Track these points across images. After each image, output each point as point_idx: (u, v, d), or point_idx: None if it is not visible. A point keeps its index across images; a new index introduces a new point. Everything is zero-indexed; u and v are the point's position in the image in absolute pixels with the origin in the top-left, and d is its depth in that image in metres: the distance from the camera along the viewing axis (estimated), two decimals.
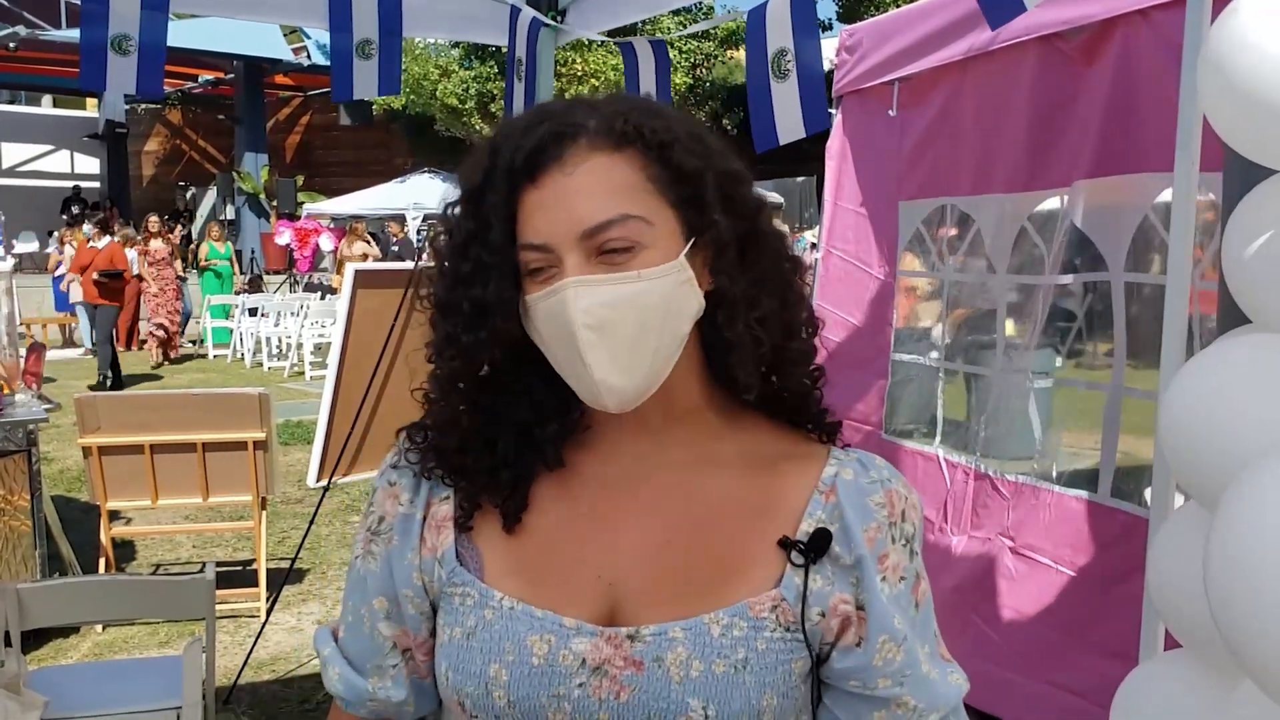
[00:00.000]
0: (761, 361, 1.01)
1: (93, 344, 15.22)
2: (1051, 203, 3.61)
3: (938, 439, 4.18)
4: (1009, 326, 3.87)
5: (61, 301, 16.14)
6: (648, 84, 3.29)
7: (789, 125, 2.83)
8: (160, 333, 14.21)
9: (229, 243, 17.31)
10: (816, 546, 0.97)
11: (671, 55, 3.51)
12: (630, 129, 0.96)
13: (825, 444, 1.06)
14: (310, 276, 18.41)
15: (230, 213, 23.17)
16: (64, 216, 21.46)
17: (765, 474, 1.02)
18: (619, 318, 0.92)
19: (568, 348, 0.94)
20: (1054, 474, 3.60)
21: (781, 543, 0.98)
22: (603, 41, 3.90)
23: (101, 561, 4.79)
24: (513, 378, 1.00)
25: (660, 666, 0.95)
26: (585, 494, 1.02)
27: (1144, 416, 3.29)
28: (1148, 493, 3.19)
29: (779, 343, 1.01)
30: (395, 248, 17.13)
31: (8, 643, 2.73)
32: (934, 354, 4.27)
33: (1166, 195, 3.14)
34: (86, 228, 14.96)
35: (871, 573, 0.97)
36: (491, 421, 1.02)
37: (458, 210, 0.98)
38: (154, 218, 15.01)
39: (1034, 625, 3.52)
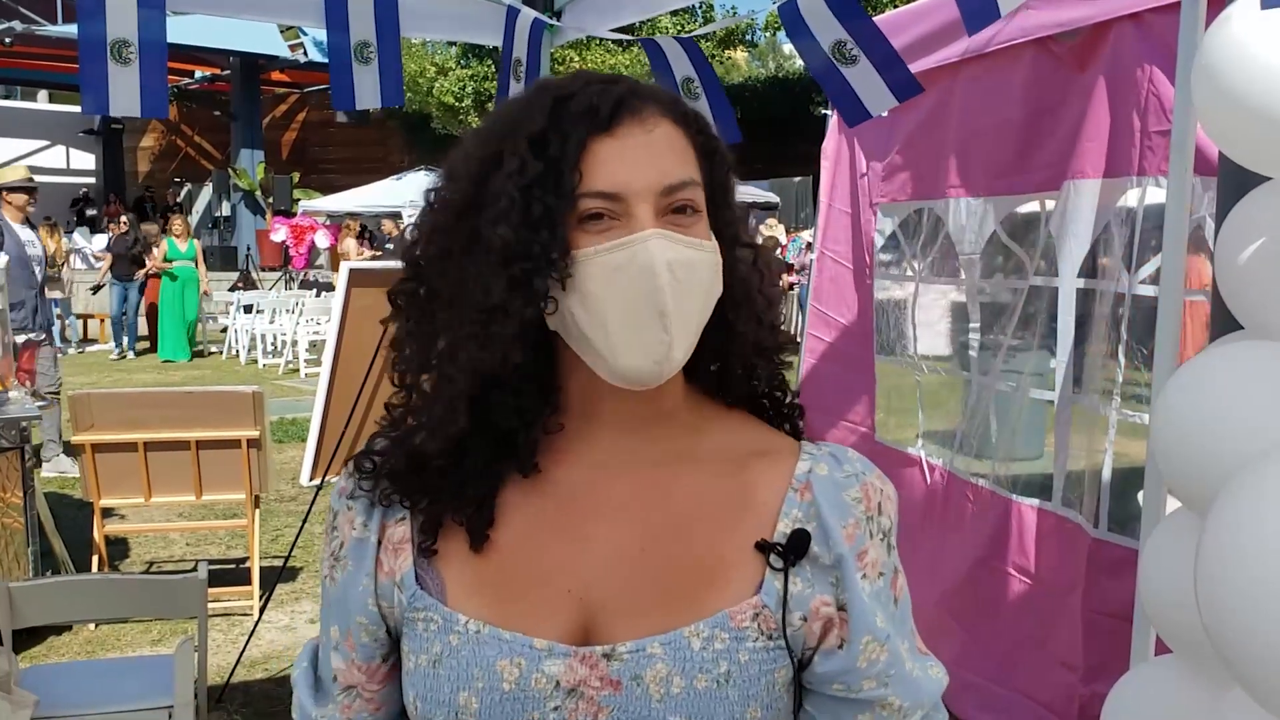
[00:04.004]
0: (753, 357, 1.02)
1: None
2: (1033, 205, 3.62)
3: (919, 442, 4.19)
4: (988, 329, 3.88)
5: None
6: (690, 90, 3.25)
7: (876, 99, 2.83)
8: None
9: (195, 240, 14.97)
10: (795, 548, 0.94)
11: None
12: (689, 113, 0.98)
13: (795, 439, 1.04)
14: (306, 273, 18.38)
15: (226, 209, 23.13)
16: (76, 219, 21.44)
17: (739, 472, 0.99)
18: (691, 280, 0.91)
19: (638, 302, 0.89)
20: (1020, 480, 3.60)
21: (759, 546, 0.95)
22: (616, 40, 3.89)
23: (94, 559, 4.78)
24: (508, 371, 0.94)
25: (639, 685, 0.91)
26: (553, 500, 0.98)
27: (1090, 423, 3.28)
28: (1088, 501, 3.20)
29: (769, 339, 1.03)
30: (390, 245, 17.11)
31: None
32: (916, 357, 4.28)
33: (1126, 199, 3.14)
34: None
35: (852, 571, 0.95)
36: (478, 423, 0.96)
37: (518, 150, 0.92)
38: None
39: (1007, 634, 3.53)
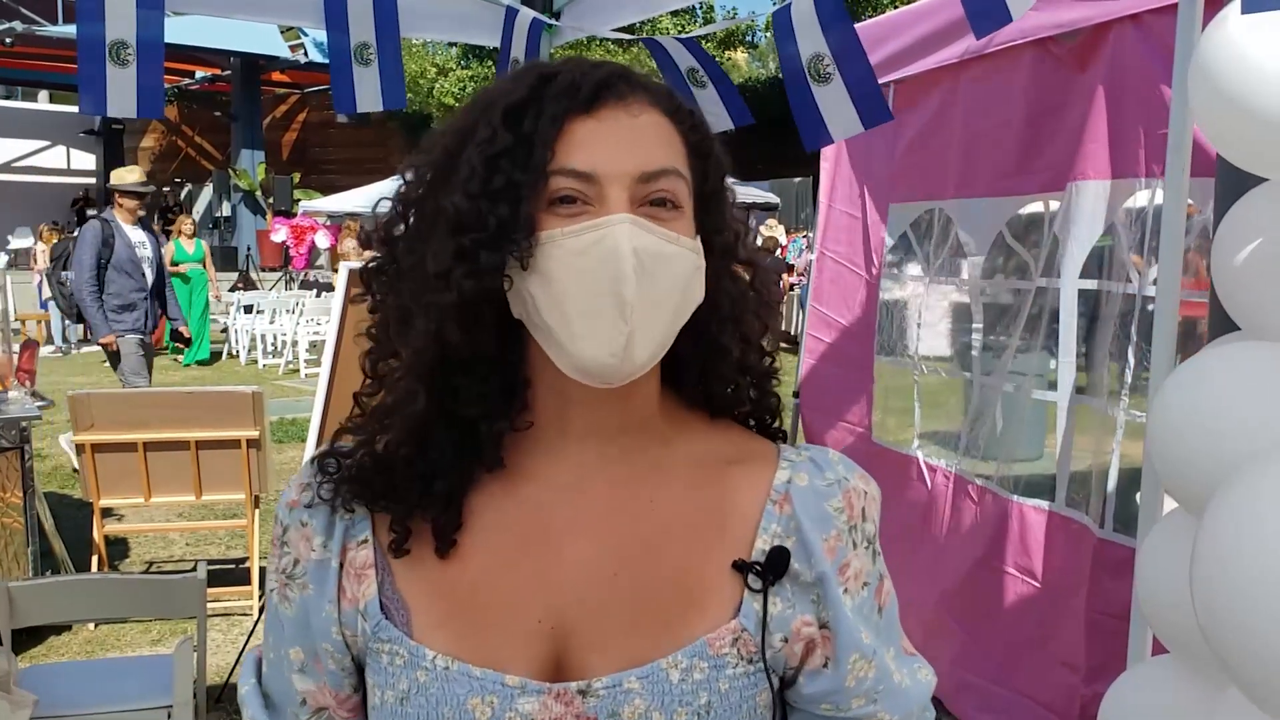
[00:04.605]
0: (738, 377, 0.98)
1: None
2: (1038, 206, 3.62)
3: (915, 443, 4.19)
4: (994, 330, 3.88)
5: (44, 303, 15.62)
6: (696, 79, 3.19)
7: (842, 123, 2.74)
8: None
9: (200, 240, 14.40)
10: (774, 567, 0.90)
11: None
12: (683, 108, 0.93)
13: (774, 443, 1.00)
14: (306, 274, 18.38)
15: (226, 210, 23.17)
16: (75, 219, 21.46)
17: (715, 484, 0.94)
18: (662, 273, 0.85)
19: (599, 289, 0.83)
20: (1023, 481, 3.61)
21: (737, 565, 0.91)
22: (619, 39, 3.85)
23: (94, 559, 4.78)
24: (469, 354, 0.89)
25: None
26: (523, 514, 0.93)
27: (1095, 424, 3.28)
28: (1095, 502, 3.20)
29: (757, 360, 0.99)
30: None
31: None
32: (924, 357, 4.28)
33: (1134, 201, 3.14)
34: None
35: (834, 588, 0.91)
36: (442, 410, 0.91)
37: (491, 121, 0.88)
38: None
39: (1007, 635, 3.53)
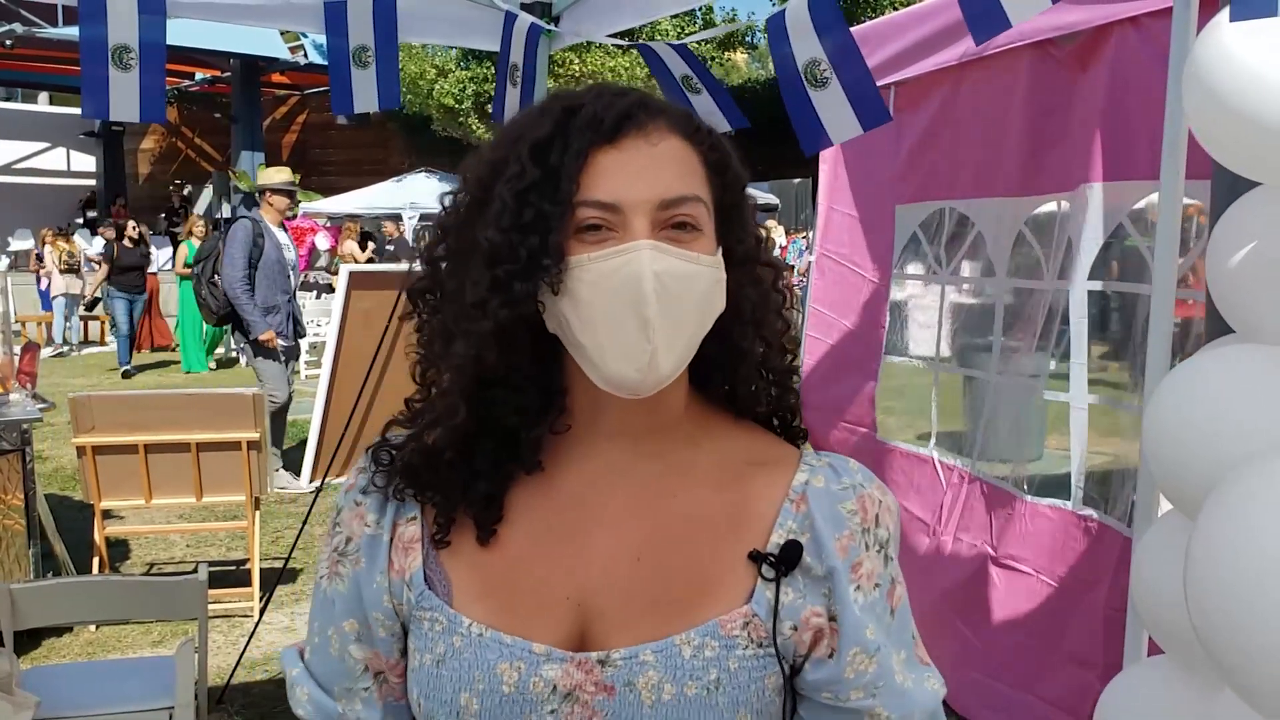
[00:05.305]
0: (759, 379, 1.04)
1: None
2: (1049, 207, 3.62)
3: (932, 441, 4.19)
4: (1006, 330, 3.88)
5: (47, 304, 15.53)
6: (691, 86, 3.19)
7: (840, 126, 2.74)
8: None
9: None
10: (787, 559, 0.97)
11: None
12: (702, 129, 1.00)
13: (796, 448, 1.07)
14: (306, 275, 18.36)
15: (226, 211, 23.16)
16: (80, 220, 21.42)
17: (736, 483, 1.01)
18: (683, 292, 0.92)
19: (624, 311, 0.91)
20: (1036, 481, 3.61)
21: (752, 556, 0.97)
22: (617, 44, 3.85)
23: (95, 561, 4.79)
24: (507, 370, 0.98)
25: (632, 691, 0.95)
26: (557, 506, 1.01)
27: (1126, 425, 3.29)
28: (1122, 501, 3.20)
29: (778, 360, 1.05)
30: (390, 247, 17.15)
31: (0, 643, 2.74)
32: (929, 357, 4.28)
33: (1142, 202, 3.14)
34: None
35: (844, 583, 0.97)
36: (483, 420, 0.99)
37: (520, 156, 0.95)
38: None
39: (1013, 633, 3.54)
